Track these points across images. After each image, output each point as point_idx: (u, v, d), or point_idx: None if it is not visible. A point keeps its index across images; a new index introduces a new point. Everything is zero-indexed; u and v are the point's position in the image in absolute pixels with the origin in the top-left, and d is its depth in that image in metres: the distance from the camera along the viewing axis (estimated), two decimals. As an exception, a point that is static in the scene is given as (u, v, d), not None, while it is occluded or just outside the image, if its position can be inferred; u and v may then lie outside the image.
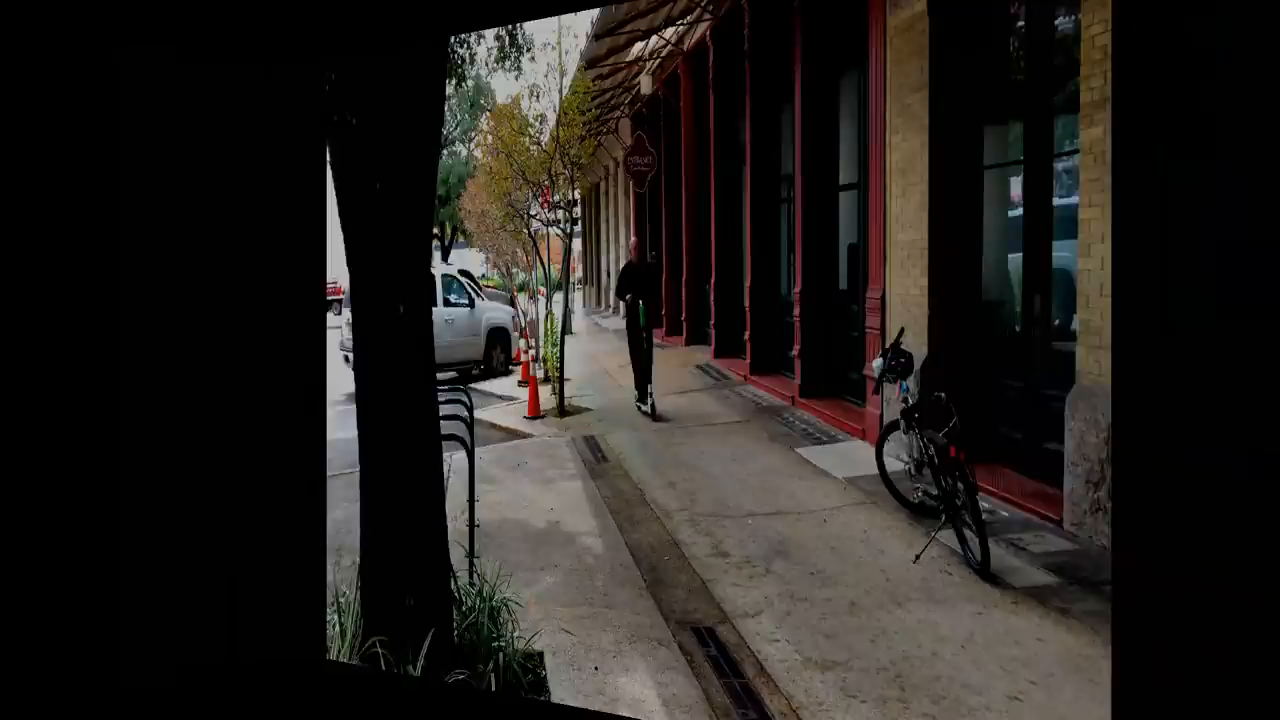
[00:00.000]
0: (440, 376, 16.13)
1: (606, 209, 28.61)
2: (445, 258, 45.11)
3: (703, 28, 14.13)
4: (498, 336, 17.52)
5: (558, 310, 14.49)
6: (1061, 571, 5.50)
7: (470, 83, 41.59)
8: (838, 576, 5.94)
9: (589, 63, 14.50)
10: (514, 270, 23.22)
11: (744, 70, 12.40)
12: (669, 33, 14.93)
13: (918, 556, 5.84)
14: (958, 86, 7.34)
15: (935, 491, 6.14)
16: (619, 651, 5.02)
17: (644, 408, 10.72)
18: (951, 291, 7.44)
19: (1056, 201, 6.46)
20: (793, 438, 9.19)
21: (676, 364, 14.66)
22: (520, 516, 7.54)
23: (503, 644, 4.41)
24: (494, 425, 11.86)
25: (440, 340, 15.41)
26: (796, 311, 10.28)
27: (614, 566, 6.32)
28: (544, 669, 4.71)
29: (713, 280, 14.13)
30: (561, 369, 12.35)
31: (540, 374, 14.53)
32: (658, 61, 17.10)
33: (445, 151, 44.29)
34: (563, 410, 11.94)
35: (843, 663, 4.86)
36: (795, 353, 10.34)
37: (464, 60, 12.03)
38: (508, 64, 12.21)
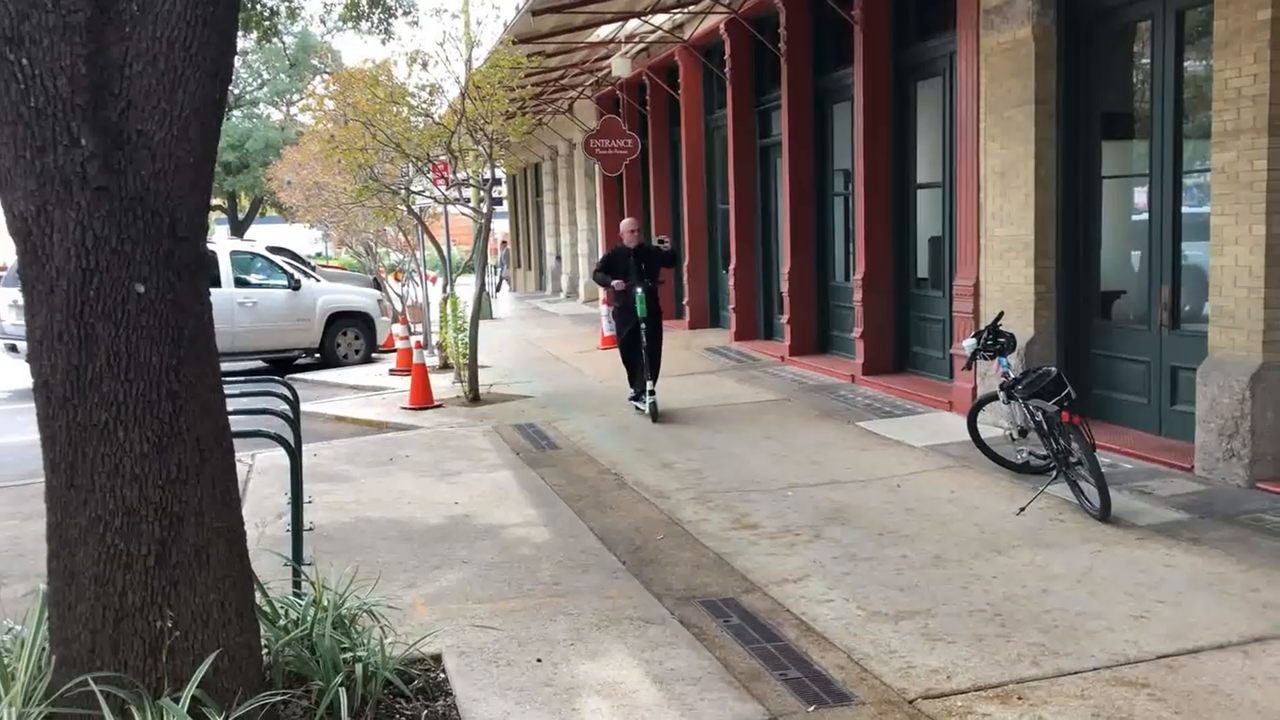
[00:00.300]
0: (241, 366, 15.48)
1: (555, 191, 29.06)
2: (240, 232, 42.15)
3: (713, 20, 14.91)
4: (347, 322, 16.51)
5: (466, 293, 13.53)
6: (1192, 509, 6.41)
7: (291, 39, 38.98)
8: (917, 534, 6.18)
9: (522, 39, 14.10)
10: (382, 250, 22.16)
11: (776, 66, 13.34)
12: (660, 19, 15.47)
13: (1023, 508, 6.55)
14: (1069, 105, 8.50)
15: (1043, 452, 7.09)
16: (579, 639, 4.78)
17: (640, 407, 10.25)
18: (1068, 280, 8.63)
19: (1185, 210, 7.67)
20: (853, 412, 10.01)
21: (679, 346, 15.44)
22: (396, 515, 7.15)
23: (362, 654, 3.90)
24: (342, 419, 11.43)
25: (233, 325, 14.96)
26: (858, 296, 11.36)
27: (570, 554, 6.11)
28: (442, 671, 4.38)
29: (732, 265, 15.07)
30: (473, 354, 11.88)
31: (435, 361, 14.31)
32: (641, 46, 17.72)
33: (239, 112, 41.44)
34: (475, 398, 11.65)
35: (924, 610, 4.99)
36: (858, 334, 11.42)
37: (273, 12, 10.95)
38: (366, 25, 11.07)
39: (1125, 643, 4.54)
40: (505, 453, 9.10)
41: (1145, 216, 8.00)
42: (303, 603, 4.16)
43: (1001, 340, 7.40)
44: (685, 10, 14.68)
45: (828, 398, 10.85)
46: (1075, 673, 4.30)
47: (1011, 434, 7.47)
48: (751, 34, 14.06)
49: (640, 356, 10.22)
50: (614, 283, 10.18)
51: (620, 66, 17.53)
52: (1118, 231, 8.67)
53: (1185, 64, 7.63)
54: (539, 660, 4.56)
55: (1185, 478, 7.09)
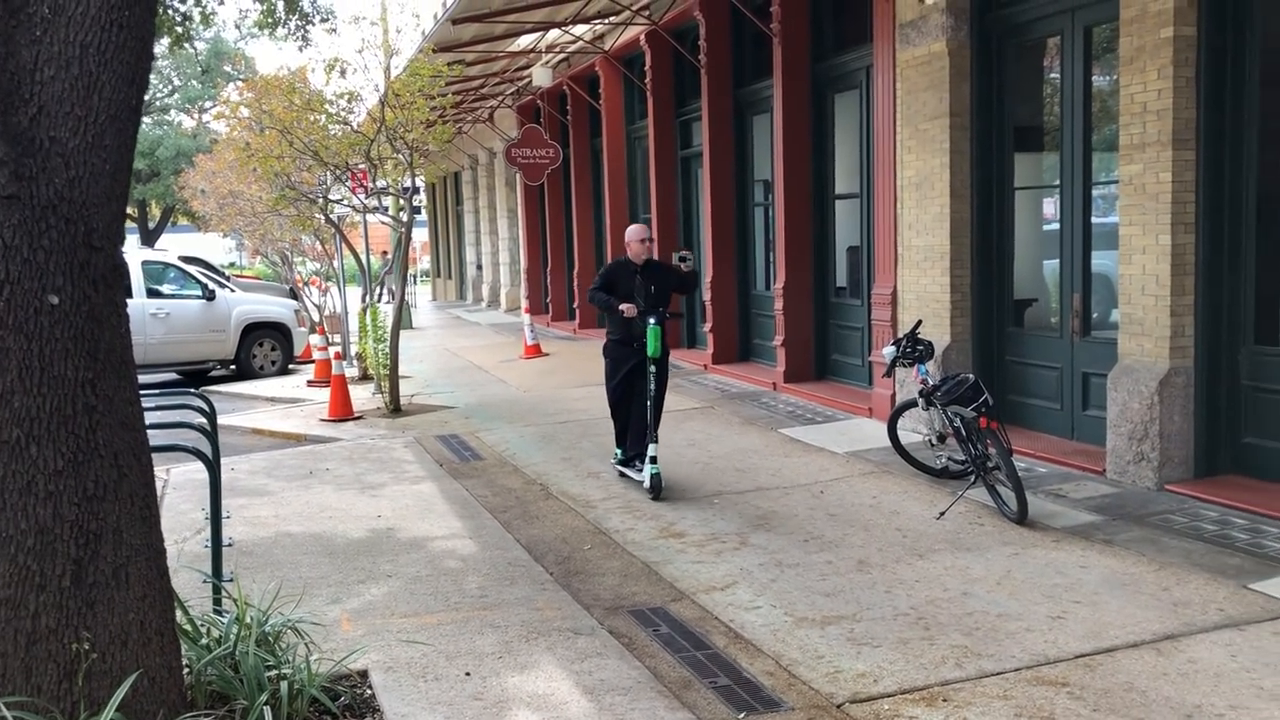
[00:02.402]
0: (154, 379, 15.29)
1: (475, 200, 28.90)
2: (150, 242, 41.24)
3: (634, 31, 15.00)
4: (263, 332, 16.24)
5: (386, 303, 13.44)
6: (1104, 511, 6.59)
7: (203, 45, 38.08)
8: (841, 540, 6.25)
9: (442, 47, 13.99)
10: (299, 259, 21.79)
11: (696, 78, 13.45)
12: (580, 30, 15.53)
13: (943, 513, 6.72)
14: (982, 118, 8.71)
15: (962, 457, 7.27)
16: (508, 651, 4.75)
17: (632, 475, 7.88)
18: (982, 289, 8.83)
19: (1095, 220, 7.91)
20: (776, 419, 10.13)
21: (601, 355, 15.52)
22: (318, 529, 7.01)
23: (287, 672, 3.82)
24: (260, 431, 11.23)
25: (145, 337, 14.66)
26: (779, 305, 11.49)
27: (497, 565, 6.06)
28: (369, 688, 4.30)
29: (655, 273, 15.10)
30: (394, 365, 11.75)
31: (355, 372, 14.19)
32: (562, 56, 17.75)
33: (150, 119, 40.44)
34: (397, 409, 11.54)
35: (850, 615, 5.06)
36: (779, 342, 11.56)
37: (186, 17, 10.66)
38: (283, 31, 10.86)
39: (1045, 643, 4.65)
40: (428, 464, 9.00)
41: (1056, 226, 8.23)
42: (225, 620, 4.06)
43: (920, 348, 7.54)
44: (606, 21, 14.73)
45: (751, 405, 10.94)
46: (997, 673, 4.39)
47: (931, 439, 7.61)
48: (672, 45, 14.16)
49: (638, 409, 7.83)
50: (623, 307, 7.60)
51: (541, 76, 17.53)
52: (1030, 241, 8.90)
53: (1093, 79, 7.88)
54: (468, 674, 4.52)
55: (1097, 481, 7.30)
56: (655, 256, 8.13)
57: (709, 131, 13.10)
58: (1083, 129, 7.88)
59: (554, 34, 15.68)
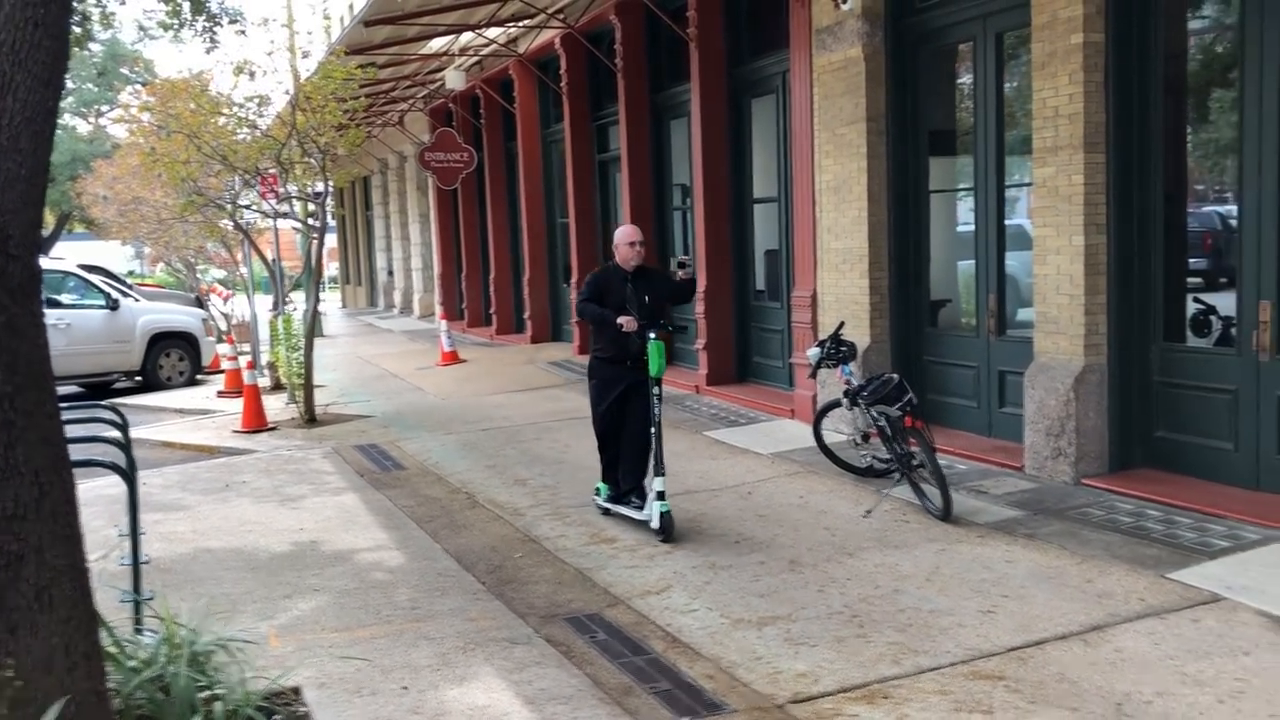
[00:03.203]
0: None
1: (386, 205, 28.51)
2: (45, 250, 39.76)
3: (549, 34, 14.95)
4: (170, 342, 15.85)
5: (297, 310, 13.17)
6: (1025, 506, 6.75)
7: (98, 47, 37.07)
8: (771, 540, 6.27)
9: (354, 49, 13.80)
10: (204, 267, 21.25)
11: (613, 82, 13.45)
12: (494, 33, 15.44)
13: (869, 511, 6.83)
14: (898, 122, 8.85)
15: (886, 455, 7.37)
16: (444, 663, 4.66)
17: (631, 514, 6.81)
18: (900, 290, 8.98)
19: (1009, 221, 8.10)
20: (701, 422, 10.19)
21: (521, 361, 15.45)
22: (239, 543, 6.85)
23: (220, 692, 3.71)
24: (170, 444, 10.97)
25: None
26: (700, 309, 11.54)
27: (427, 577, 5.96)
28: (303, 705, 4.21)
29: (574, 279, 15.08)
30: (308, 374, 11.50)
31: (267, 381, 13.85)
32: (475, 59, 17.61)
33: None
34: (312, 419, 11.33)
35: (785, 615, 5.07)
36: (701, 346, 11.61)
37: (85, 18, 10.15)
38: (189, 33, 10.50)
39: (978, 637, 4.73)
40: (349, 475, 8.83)
41: (971, 228, 8.40)
42: (152, 641, 3.92)
43: (843, 349, 7.63)
44: (520, 25, 14.64)
45: (674, 409, 10.94)
46: (934, 669, 4.45)
47: (855, 439, 7.71)
48: (588, 49, 14.14)
49: (631, 437, 6.88)
50: (622, 320, 6.56)
51: (454, 79, 17.31)
52: (945, 243, 9.08)
53: (1006, 84, 8.07)
54: (405, 688, 4.44)
55: (1017, 476, 7.46)
56: (689, 269, 7.16)
57: (626, 135, 13.10)
58: (995, 133, 8.07)
59: (467, 37, 15.53)
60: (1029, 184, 7.52)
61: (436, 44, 16.47)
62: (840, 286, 9.31)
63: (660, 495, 6.44)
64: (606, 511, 7.03)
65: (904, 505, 6.90)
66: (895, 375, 7.20)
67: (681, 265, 7.07)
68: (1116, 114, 6.93)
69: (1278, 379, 6.32)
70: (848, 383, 7.56)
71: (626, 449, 6.90)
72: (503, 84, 17.99)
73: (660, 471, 6.53)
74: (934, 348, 8.92)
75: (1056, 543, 6.00)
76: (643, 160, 13.15)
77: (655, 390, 6.63)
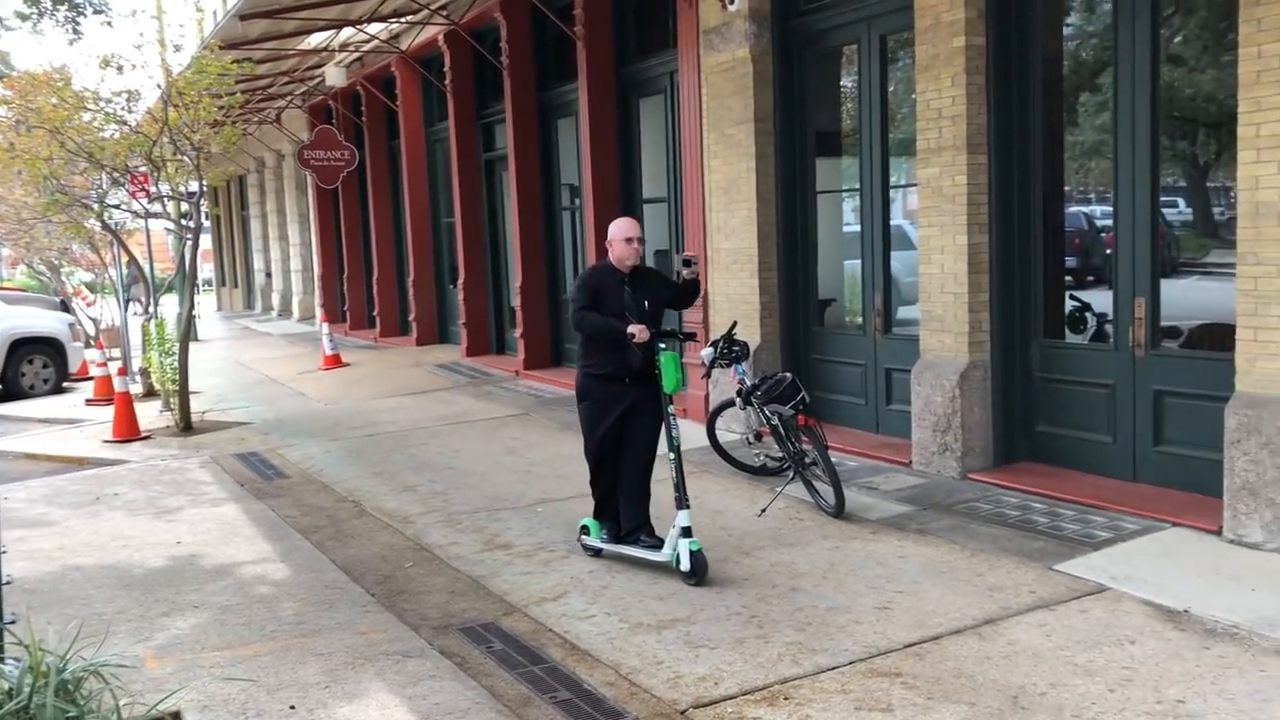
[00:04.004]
0: None
1: (263, 204, 27.70)
2: None
3: (432, 31, 14.69)
4: (33, 348, 15.19)
5: (170, 313, 12.81)
6: (915, 501, 6.86)
7: None
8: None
9: (229, 43, 13.29)
10: (69, 269, 20.41)
11: (499, 80, 13.27)
12: (376, 29, 15.12)
13: (764, 510, 6.83)
14: (786, 123, 8.92)
15: (780, 454, 7.43)
16: (334, 680, 4.50)
17: (651, 555, 5.80)
18: (789, 290, 9.04)
19: (894, 222, 8.23)
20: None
21: (408, 364, 15.16)
22: (112, 559, 6.51)
23: None
24: (35, 456, 10.47)
25: None
26: (591, 308, 11.44)
27: (314, 590, 5.75)
28: None
29: (461, 280, 14.86)
30: (183, 379, 11.06)
31: (139, 388, 13.41)
32: (356, 56, 17.22)
33: None
34: (188, 427, 10.94)
35: (684, 618, 5.03)
36: (591, 345, 11.50)
37: None
38: (48, 22, 10.08)
39: (875, 634, 4.76)
40: (228, 485, 8.49)
41: (857, 228, 8.51)
42: (14, 669, 3.64)
43: (736, 349, 7.64)
44: (402, 21, 14.33)
45: (565, 410, 10.83)
46: (834, 668, 4.45)
47: (749, 438, 7.72)
48: (472, 46, 13.92)
49: (633, 465, 6.00)
50: (633, 330, 5.61)
51: (334, 76, 16.94)
52: (832, 243, 9.19)
53: (890, 86, 8.19)
54: (292, 707, 4.26)
55: (905, 472, 7.58)
56: (694, 268, 6.29)
57: (513, 134, 12.94)
58: (880, 134, 8.18)
59: (348, 32, 15.14)
60: (913, 185, 7.64)
61: (316, 39, 16.01)
62: (731, 286, 9.34)
63: (686, 531, 5.55)
64: (598, 553, 6.05)
65: (798, 503, 6.93)
66: (788, 374, 7.23)
67: (686, 264, 6.22)
68: (997, 116, 7.09)
69: (1153, 374, 6.54)
70: (741, 382, 7.57)
71: (629, 480, 5.96)
72: (385, 81, 17.62)
73: (685, 504, 5.64)
74: (822, 346, 9.01)
75: (947, 537, 6.09)
76: (530, 160, 13.00)
77: (670, 409, 5.81)
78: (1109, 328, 6.96)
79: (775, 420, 7.12)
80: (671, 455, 5.69)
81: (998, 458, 7.33)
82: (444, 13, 13.76)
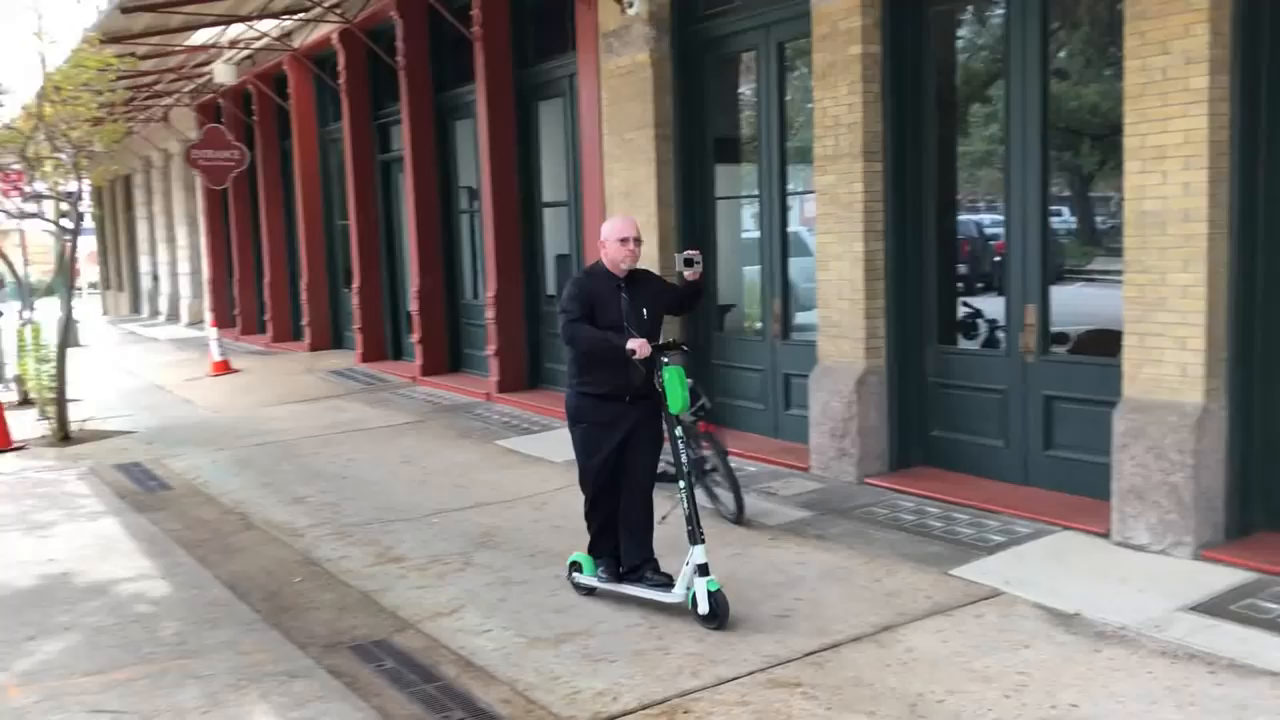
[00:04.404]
0: None
1: (149, 205, 26.80)
2: None
3: (326, 29, 14.35)
4: None
5: (48, 317, 12.27)
6: (813, 506, 6.87)
7: None
8: (567, 552, 5.84)
9: (111, 37, 12.78)
10: None
11: (395, 80, 13.01)
12: (267, 25, 14.72)
13: (664, 517, 6.79)
14: (686, 129, 8.89)
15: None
16: (214, 704, 4.33)
17: (661, 595, 5.18)
18: (690, 296, 9.02)
19: (792, 229, 8.26)
20: (492, 431, 9.94)
21: (300, 370, 14.77)
22: None
23: None
24: None
25: None
26: (490, 314, 11.30)
27: (195, 608, 5.51)
28: None
29: (356, 284, 14.54)
30: (61, 387, 10.59)
31: (14, 396, 12.82)
32: (246, 53, 16.76)
33: None
34: (66, 437, 10.46)
35: (583, 631, 4.92)
36: (491, 351, 11.35)
37: None
38: None
39: (775, 643, 4.72)
40: (107, 497, 8.10)
41: (756, 234, 8.53)
42: None
43: None
44: (295, 18, 13.95)
45: (464, 417, 10.67)
46: (733, 679, 4.40)
47: None
48: (367, 46, 13.63)
49: (634, 494, 5.42)
50: (633, 346, 4.97)
51: (224, 73, 16.44)
52: (731, 249, 9.20)
53: (788, 93, 8.23)
54: (168, 737, 4.02)
55: (804, 477, 7.60)
56: (697, 266, 5.36)
57: (410, 136, 12.69)
58: (779, 141, 8.21)
59: (237, 29, 14.69)
60: (811, 192, 7.67)
61: (204, 35, 15.51)
62: (631, 292, 9.27)
63: (703, 569, 4.96)
64: (592, 591, 5.43)
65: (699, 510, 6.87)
66: (690, 381, 7.19)
67: (689, 263, 5.33)
68: (893, 124, 7.15)
69: (1043, 379, 6.67)
70: None
71: (631, 511, 5.35)
72: (277, 80, 17.15)
73: (699, 537, 5.01)
74: (722, 351, 9.01)
75: (845, 543, 6.11)
76: (427, 161, 12.77)
77: (679, 432, 5.17)
78: (1000, 334, 7.08)
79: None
80: (681, 484, 5.13)
81: (894, 462, 7.40)
82: (338, 11, 13.43)
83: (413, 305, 12.94)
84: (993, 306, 7.46)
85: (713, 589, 4.91)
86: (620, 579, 5.33)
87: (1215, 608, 4.82)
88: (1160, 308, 5.53)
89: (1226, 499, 5.54)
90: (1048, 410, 6.66)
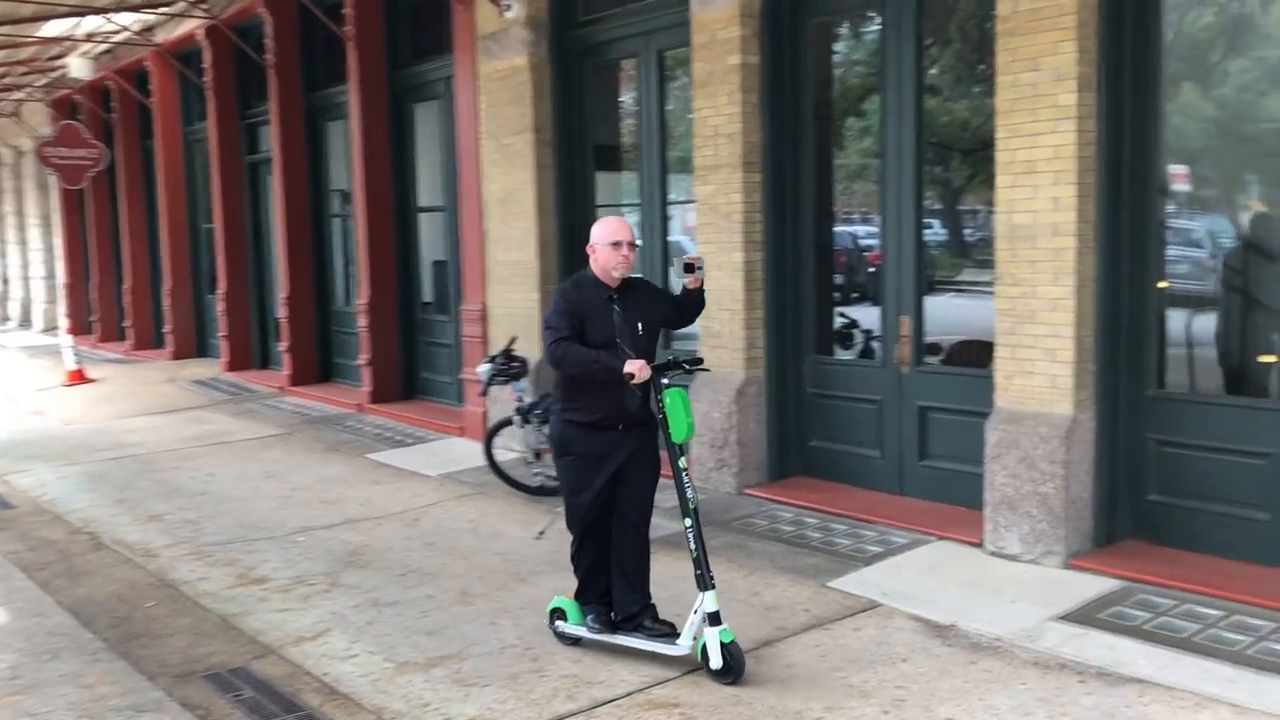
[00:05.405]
0: None
1: (0, 205, 25.44)
2: None
3: (191, 24, 13.79)
4: None
5: None
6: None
7: None
8: (440, 571, 5.89)
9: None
10: None
11: (264, 79, 12.56)
12: (127, 19, 14.09)
13: (543, 532, 6.61)
14: (566, 135, 8.76)
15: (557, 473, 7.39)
16: (51, 746, 4.00)
17: (664, 647, 4.59)
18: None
19: (673, 238, 8.19)
20: (363, 443, 9.64)
21: (162, 379, 14.14)
22: None
23: None
24: None
25: None
26: (363, 322, 10.96)
27: (34, 637, 5.18)
28: None
29: (221, 290, 13.98)
30: None
31: None
32: (105, 47, 16.02)
33: None
34: None
35: (455, 654, 4.76)
36: (364, 361, 11.01)
37: None
38: None
39: (654, 663, 4.59)
40: (-67, 519, 7.54)
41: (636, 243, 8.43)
42: None
43: (515, 365, 7.43)
44: (157, 12, 13.36)
45: (334, 429, 10.31)
46: (610, 701, 4.27)
47: (527, 457, 7.49)
48: (235, 43, 13.12)
49: (628, 531, 4.79)
50: (631, 368, 4.43)
51: (80, 68, 15.65)
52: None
53: (669, 102, 8.17)
54: (-6, 785, 3.69)
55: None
56: (699, 271, 4.82)
57: (279, 137, 12.25)
58: (659, 149, 8.14)
59: (95, 21, 13.98)
60: (692, 201, 7.62)
61: (58, 26, 14.74)
62: (511, 300, 9.09)
63: (714, 618, 4.41)
64: (577, 642, 4.85)
65: (576, 524, 6.73)
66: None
67: (689, 269, 4.77)
68: (773, 135, 7.15)
69: (917, 390, 6.73)
70: (519, 400, 7.34)
71: (626, 554, 4.76)
72: (139, 76, 16.41)
73: (709, 582, 4.46)
74: (602, 362, 8.90)
75: (725, 556, 6.03)
76: (298, 164, 12.35)
77: (682, 463, 4.57)
78: (876, 345, 7.14)
79: None
80: (688, 521, 4.53)
81: (773, 473, 7.39)
82: (204, 6, 12.91)
83: (281, 312, 12.49)
84: (868, 317, 7.54)
85: (726, 640, 4.38)
86: (614, 628, 4.74)
87: (1085, 616, 4.90)
88: (1031, 320, 5.62)
89: (1095, 508, 5.66)
90: (922, 421, 6.73)
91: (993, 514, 5.77)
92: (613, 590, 4.79)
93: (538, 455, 7.34)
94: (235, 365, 13.94)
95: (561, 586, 5.61)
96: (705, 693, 4.30)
